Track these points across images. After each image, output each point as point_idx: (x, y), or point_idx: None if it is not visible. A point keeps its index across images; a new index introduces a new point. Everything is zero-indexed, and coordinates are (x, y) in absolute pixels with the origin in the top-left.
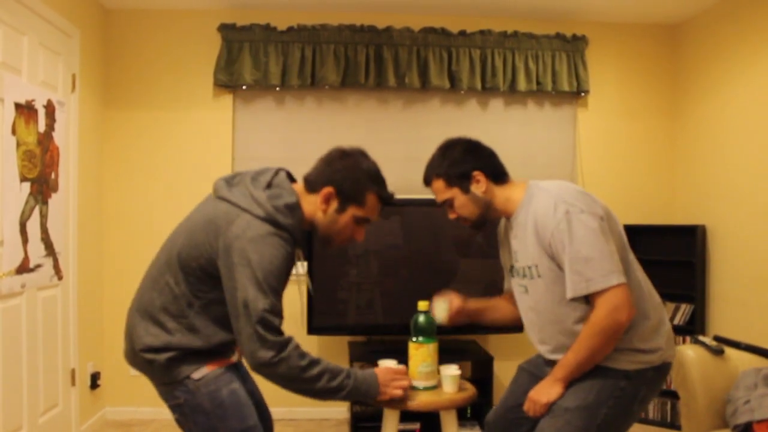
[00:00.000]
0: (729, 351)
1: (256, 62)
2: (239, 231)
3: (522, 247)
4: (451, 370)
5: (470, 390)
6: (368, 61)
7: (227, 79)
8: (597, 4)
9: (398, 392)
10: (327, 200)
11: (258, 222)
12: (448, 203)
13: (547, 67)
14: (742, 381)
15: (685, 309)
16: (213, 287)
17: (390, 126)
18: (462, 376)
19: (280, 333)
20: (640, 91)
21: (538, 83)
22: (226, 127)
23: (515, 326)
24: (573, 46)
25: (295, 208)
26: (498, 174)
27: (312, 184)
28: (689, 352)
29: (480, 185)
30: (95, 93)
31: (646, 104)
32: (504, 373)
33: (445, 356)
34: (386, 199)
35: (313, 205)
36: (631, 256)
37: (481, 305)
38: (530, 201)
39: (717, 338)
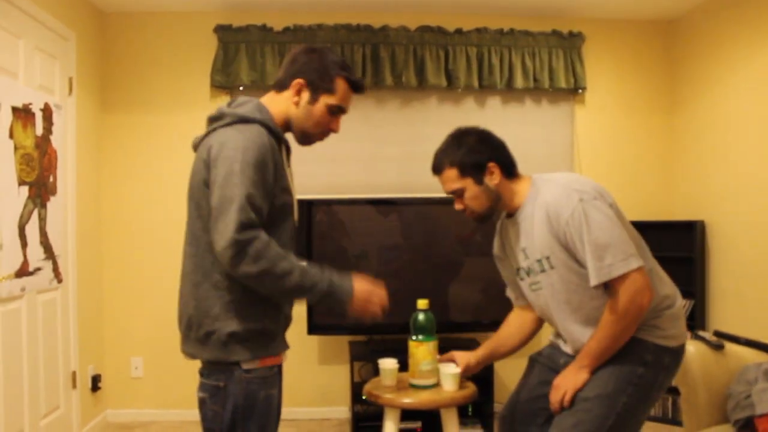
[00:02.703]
0: (729, 346)
1: (252, 63)
2: (214, 143)
3: (530, 242)
4: (452, 369)
5: (471, 388)
6: (365, 61)
7: (224, 81)
8: (593, 0)
9: (375, 309)
10: (298, 92)
11: (227, 128)
12: (458, 193)
13: (544, 64)
14: (743, 376)
15: (684, 305)
16: None
17: (387, 125)
18: (462, 375)
19: (254, 227)
20: (637, 87)
21: (535, 80)
22: None
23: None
24: (569, 42)
25: (260, 107)
26: (510, 166)
27: (280, 82)
28: (689, 348)
29: (494, 177)
30: (92, 96)
31: (644, 100)
32: (505, 371)
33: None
34: (356, 84)
35: (285, 102)
36: (642, 242)
37: (489, 349)
38: (537, 194)
39: (717, 333)
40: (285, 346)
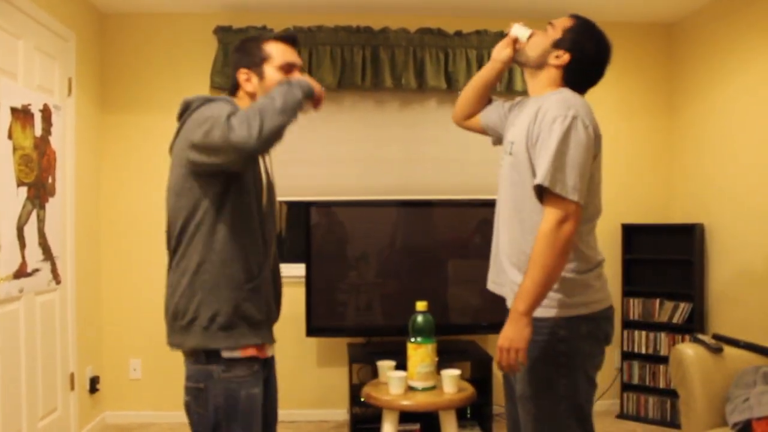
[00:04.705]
0: (728, 349)
1: None
2: (184, 128)
3: (518, 122)
4: (451, 371)
5: (469, 390)
6: (365, 63)
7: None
8: (592, 3)
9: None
10: (247, 80)
11: (194, 111)
12: (547, 29)
13: None
14: (741, 379)
15: (683, 308)
16: (211, 192)
17: (387, 127)
18: (461, 377)
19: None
20: (636, 90)
21: None
22: None
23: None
24: None
25: (228, 98)
26: (576, 78)
27: (231, 87)
28: (688, 351)
29: (558, 60)
30: (91, 97)
31: (643, 103)
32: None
33: (444, 356)
34: (287, 37)
35: (244, 98)
36: (598, 208)
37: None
38: (552, 94)
39: (716, 337)
40: (270, 338)
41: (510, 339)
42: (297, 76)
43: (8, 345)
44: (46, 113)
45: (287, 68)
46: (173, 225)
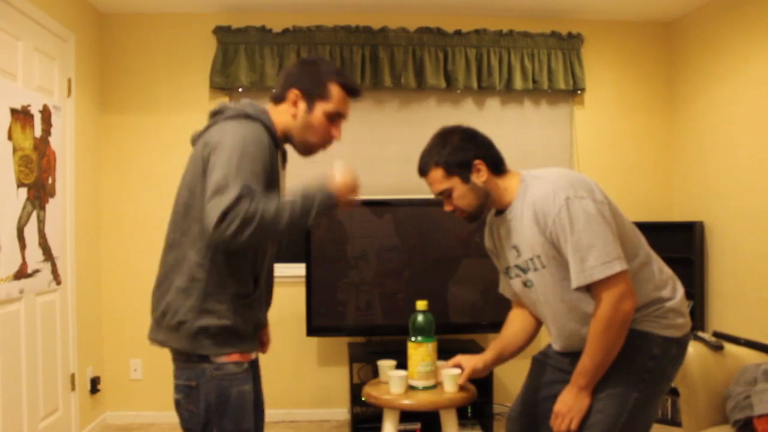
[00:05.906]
0: (728, 347)
1: (251, 64)
2: (215, 133)
3: (521, 240)
4: (452, 370)
5: (470, 389)
6: (364, 62)
7: (223, 82)
8: (592, 2)
9: (356, 194)
10: (295, 103)
11: (230, 121)
12: (446, 194)
13: (543, 65)
14: (742, 376)
15: (689, 304)
16: None
17: (386, 126)
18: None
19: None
20: (636, 88)
21: (534, 82)
22: None
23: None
24: (568, 44)
25: (264, 110)
26: (497, 163)
27: (277, 96)
28: (689, 349)
29: (481, 174)
30: (91, 97)
31: (643, 101)
32: (504, 372)
33: (444, 356)
34: (351, 88)
35: (283, 114)
36: (637, 234)
37: (496, 351)
38: (526, 191)
39: (716, 334)
40: (254, 348)
41: (569, 407)
42: (328, 184)
43: (9, 346)
44: (45, 114)
45: (335, 116)
46: (178, 219)
